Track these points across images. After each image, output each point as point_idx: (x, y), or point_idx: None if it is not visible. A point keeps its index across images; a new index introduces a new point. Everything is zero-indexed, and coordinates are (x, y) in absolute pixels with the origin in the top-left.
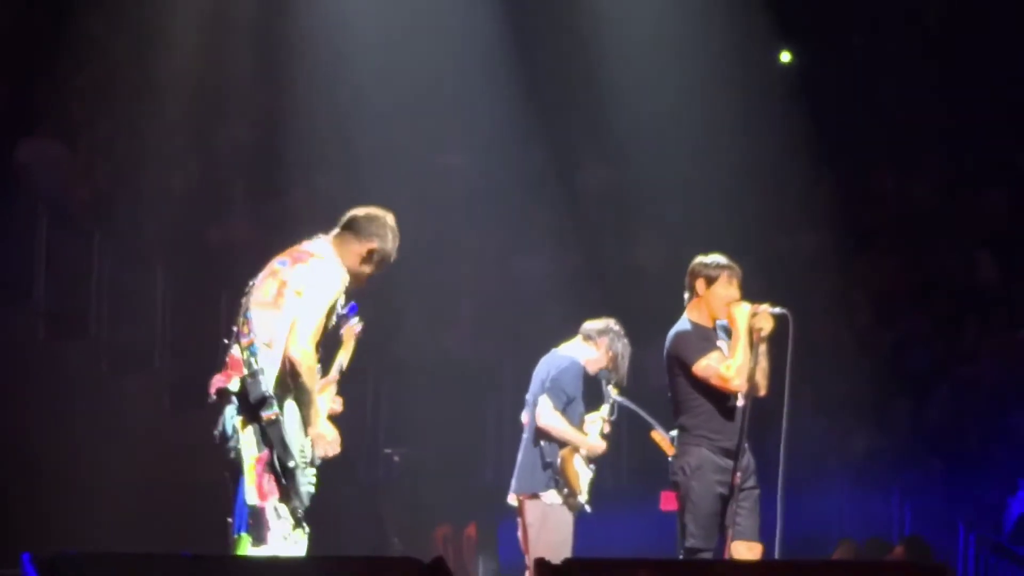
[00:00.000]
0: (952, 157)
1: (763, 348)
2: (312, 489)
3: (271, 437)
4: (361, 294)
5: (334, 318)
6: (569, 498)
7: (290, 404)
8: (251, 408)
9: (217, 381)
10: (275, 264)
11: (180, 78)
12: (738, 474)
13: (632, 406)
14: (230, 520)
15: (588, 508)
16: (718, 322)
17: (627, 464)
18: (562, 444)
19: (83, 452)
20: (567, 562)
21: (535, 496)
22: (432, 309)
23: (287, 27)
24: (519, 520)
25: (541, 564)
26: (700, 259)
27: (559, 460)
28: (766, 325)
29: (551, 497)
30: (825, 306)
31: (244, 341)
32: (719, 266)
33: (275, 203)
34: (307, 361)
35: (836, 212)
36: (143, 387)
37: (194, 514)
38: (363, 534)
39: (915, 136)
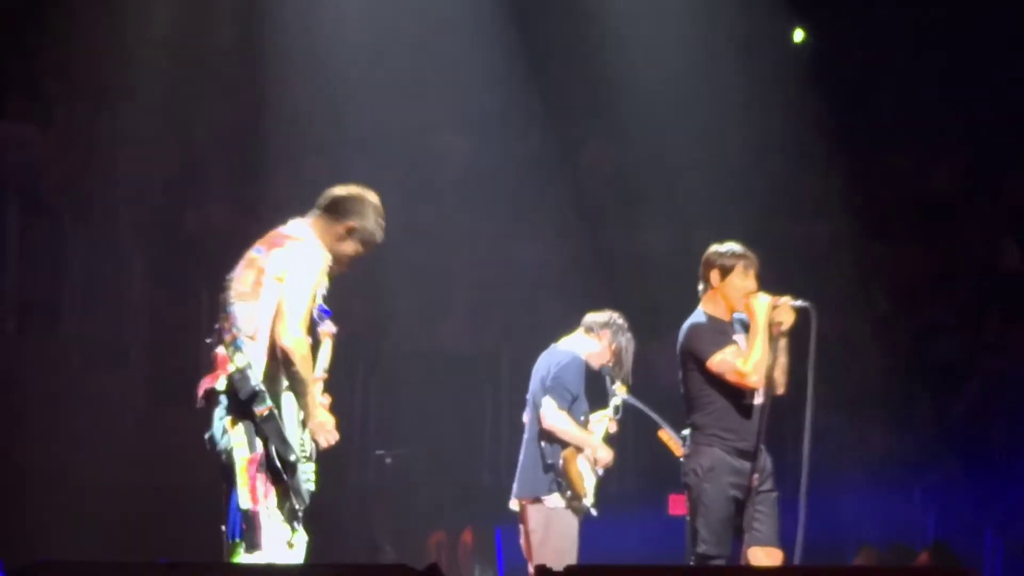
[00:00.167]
0: (974, 138)
1: (783, 343)
2: (312, 486)
3: (267, 432)
4: (348, 284)
5: (318, 304)
6: (573, 501)
7: (286, 397)
8: (242, 405)
9: (204, 383)
10: (251, 253)
11: (158, 55)
12: (755, 476)
13: (638, 404)
14: (223, 528)
15: (594, 512)
16: (736, 315)
17: (633, 466)
18: (564, 444)
19: (54, 453)
20: (569, 569)
21: (537, 500)
22: (424, 300)
23: (271, 1)
24: (521, 526)
25: (542, 571)
26: (714, 248)
27: (561, 461)
28: (786, 319)
29: (554, 501)
30: (841, 296)
31: (227, 337)
32: (734, 255)
33: (259, 188)
34: (300, 348)
35: (852, 197)
36: (118, 384)
37: (174, 520)
38: (352, 541)
39: (935, 117)
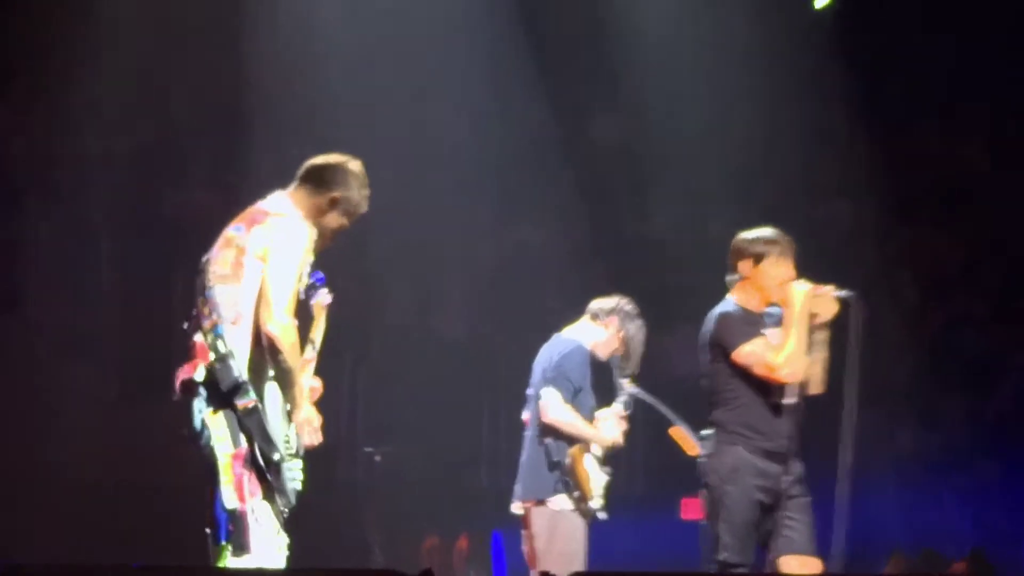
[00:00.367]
0: (1010, 115)
1: (822, 337)
2: (299, 485)
3: (250, 428)
4: (335, 267)
5: (305, 280)
6: (580, 503)
7: (270, 388)
8: (223, 397)
9: (182, 373)
10: (229, 231)
11: (131, 22)
12: (784, 479)
13: (649, 398)
14: (208, 531)
15: (602, 515)
16: (769, 309)
17: (643, 465)
18: (571, 441)
19: (16, 450)
20: None
21: (541, 502)
22: (417, 285)
23: None
24: (523, 531)
25: None
26: (743, 235)
27: (568, 460)
28: (827, 310)
29: (560, 503)
30: (864, 285)
31: (206, 323)
32: (766, 242)
33: (239, 166)
34: (287, 336)
35: (876, 177)
36: (87, 376)
37: (148, 522)
38: (340, 544)
39: (966, 90)
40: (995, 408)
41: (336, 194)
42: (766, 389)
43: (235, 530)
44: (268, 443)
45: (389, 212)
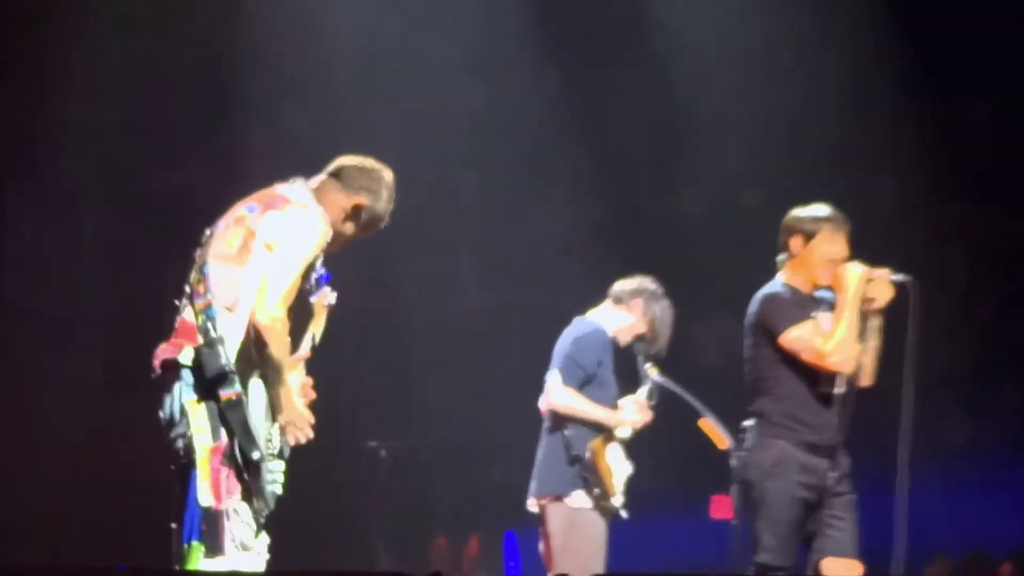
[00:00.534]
0: None
1: (875, 323)
2: (279, 488)
3: (231, 422)
4: (339, 251)
5: (309, 281)
6: (601, 500)
7: (255, 382)
8: (207, 385)
9: (163, 351)
10: (241, 209)
11: None
12: (830, 475)
13: (675, 388)
14: (175, 526)
15: (623, 513)
16: (820, 292)
17: (669, 460)
18: (592, 432)
19: None
20: None
21: (559, 499)
22: (426, 268)
23: None
24: (540, 530)
25: None
26: (795, 211)
27: (588, 453)
28: (882, 294)
29: (579, 499)
30: (910, 265)
31: (199, 302)
32: (818, 219)
33: (231, 140)
34: (277, 329)
35: (925, 148)
36: (68, 365)
37: (132, 519)
38: (343, 545)
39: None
40: None
41: (364, 201)
42: (814, 377)
43: (208, 530)
44: (249, 440)
45: (396, 190)
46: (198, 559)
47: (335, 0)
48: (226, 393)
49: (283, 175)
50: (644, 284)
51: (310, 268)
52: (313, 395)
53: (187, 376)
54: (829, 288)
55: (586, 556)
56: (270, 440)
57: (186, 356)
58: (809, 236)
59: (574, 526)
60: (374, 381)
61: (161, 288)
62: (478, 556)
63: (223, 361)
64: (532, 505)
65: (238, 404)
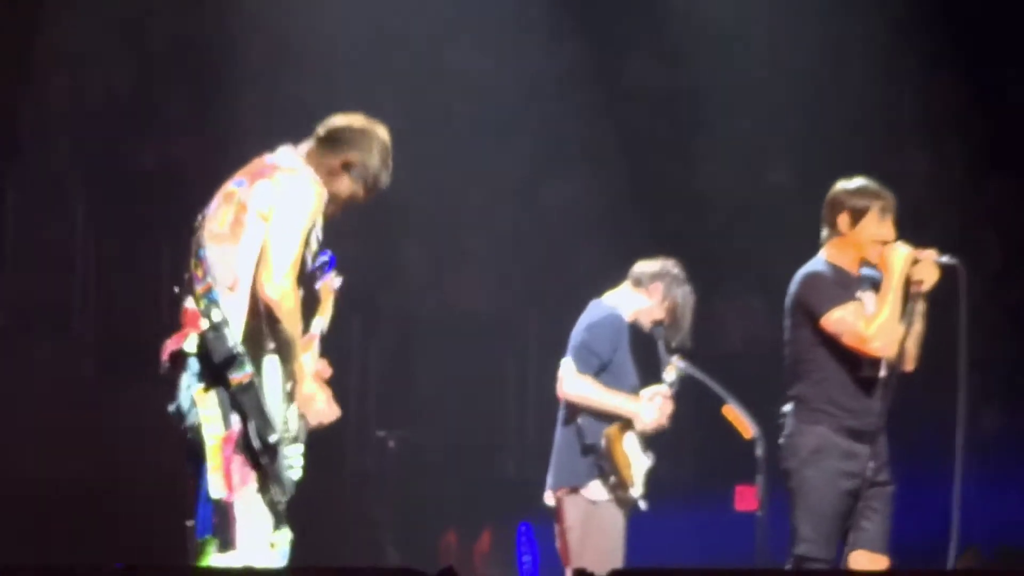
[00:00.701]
0: None
1: (920, 307)
2: (297, 473)
3: (245, 406)
4: (342, 228)
5: (313, 247)
6: (618, 491)
7: (269, 362)
8: (216, 371)
9: (170, 344)
10: (230, 186)
11: None
12: (870, 463)
13: (698, 374)
14: (189, 523)
15: (642, 505)
16: (865, 271)
17: (692, 450)
18: (607, 420)
19: None
20: (615, 574)
21: (574, 491)
22: (434, 248)
23: None
24: (556, 523)
25: None
26: (842, 186)
27: (604, 441)
28: (928, 276)
29: (595, 491)
30: (943, 244)
31: (199, 288)
32: (868, 194)
33: (228, 115)
34: (286, 301)
35: (958, 124)
36: (58, 353)
37: (129, 516)
38: (349, 540)
39: None
40: None
41: (352, 157)
42: (855, 361)
43: (220, 523)
44: (264, 422)
45: (400, 166)
46: (210, 555)
47: None
48: (237, 376)
49: (282, 143)
50: (667, 267)
51: (310, 236)
52: (329, 372)
53: (193, 365)
54: (874, 267)
55: (604, 550)
56: (286, 423)
57: (191, 344)
58: (858, 215)
59: (591, 519)
60: (381, 369)
61: (153, 273)
62: (489, 552)
63: (230, 344)
64: (549, 498)
65: (251, 387)
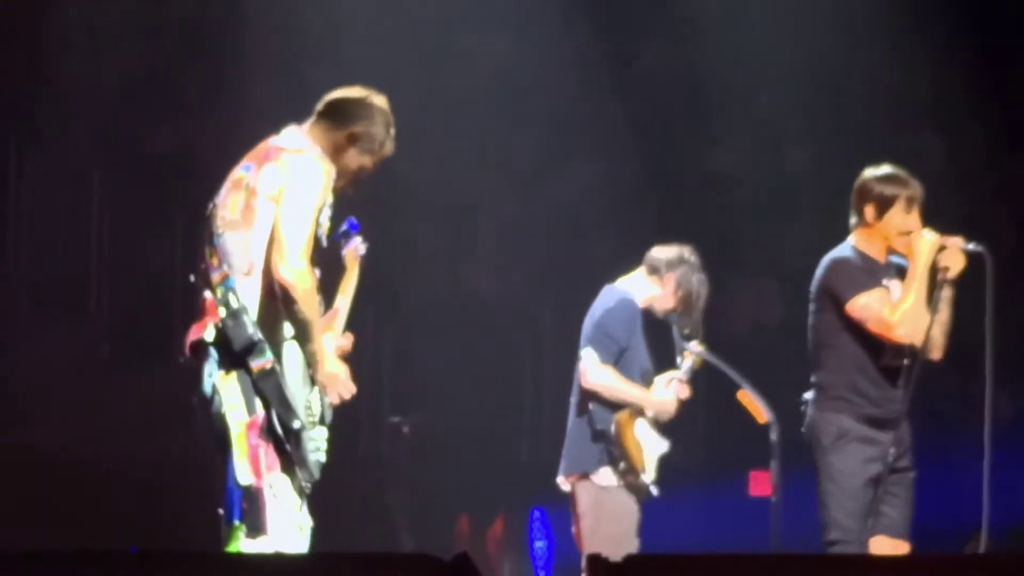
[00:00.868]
0: None
1: (947, 294)
2: (322, 456)
3: (266, 392)
4: (355, 213)
5: (324, 224)
6: (628, 477)
7: (289, 347)
8: (236, 358)
9: (192, 333)
10: (238, 171)
11: None
12: (892, 450)
13: (713, 359)
14: (221, 511)
15: (654, 491)
16: (893, 258)
17: (706, 435)
18: (616, 405)
19: None
20: (629, 559)
21: (585, 476)
22: (448, 234)
23: None
24: (571, 509)
25: (595, 561)
26: (870, 174)
27: (613, 427)
28: (955, 263)
29: (605, 477)
30: (959, 226)
31: (216, 276)
32: (896, 183)
33: (241, 96)
34: (302, 282)
35: (973, 105)
36: (75, 335)
37: (146, 501)
38: (363, 525)
39: None
40: None
41: (356, 129)
42: (878, 348)
43: (249, 509)
44: (287, 409)
45: (414, 150)
46: (240, 540)
47: None
48: (258, 363)
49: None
50: (682, 255)
51: (321, 212)
52: (348, 346)
53: (214, 353)
54: (901, 255)
55: (616, 536)
56: (309, 407)
57: (210, 333)
58: (884, 206)
59: (602, 505)
60: (395, 355)
61: (170, 253)
62: (503, 537)
63: (250, 331)
64: (562, 483)
65: (272, 373)
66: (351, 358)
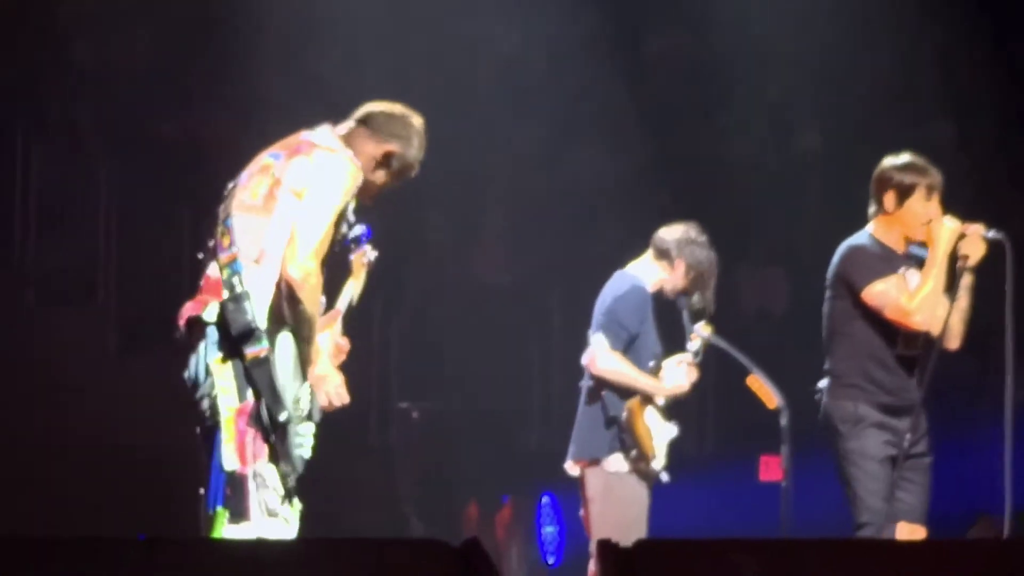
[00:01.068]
0: None
1: (966, 282)
2: (307, 452)
3: (258, 381)
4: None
5: (343, 229)
6: (639, 463)
7: (284, 339)
8: (233, 343)
9: (188, 309)
10: (266, 158)
11: None
12: (908, 436)
13: (722, 343)
14: (202, 491)
15: (664, 477)
16: (912, 248)
17: (716, 420)
18: (627, 392)
19: (4, 409)
20: (639, 544)
21: (596, 463)
22: (458, 220)
23: None
24: (581, 494)
25: (605, 547)
26: (890, 162)
27: (624, 414)
28: (975, 251)
29: (615, 463)
30: (969, 212)
31: (224, 256)
32: (916, 172)
33: (251, 84)
34: (309, 282)
35: (981, 91)
36: (83, 325)
37: (151, 488)
38: (372, 512)
39: None
40: None
41: (395, 148)
42: (892, 336)
43: (233, 495)
44: (275, 400)
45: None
46: (223, 526)
47: None
48: (252, 351)
49: (304, 121)
50: (689, 235)
51: (342, 217)
52: (344, 355)
53: (212, 334)
54: (922, 244)
55: (626, 522)
56: (298, 401)
57: (211, 313)
58: (903, 194)
59: (612, 490)
60: (404, 340)
61: (177, 244)
62: (511, 523)
63: (249, 317)
64: (571, 468)
65: (265, 362)
66: (360, 344)
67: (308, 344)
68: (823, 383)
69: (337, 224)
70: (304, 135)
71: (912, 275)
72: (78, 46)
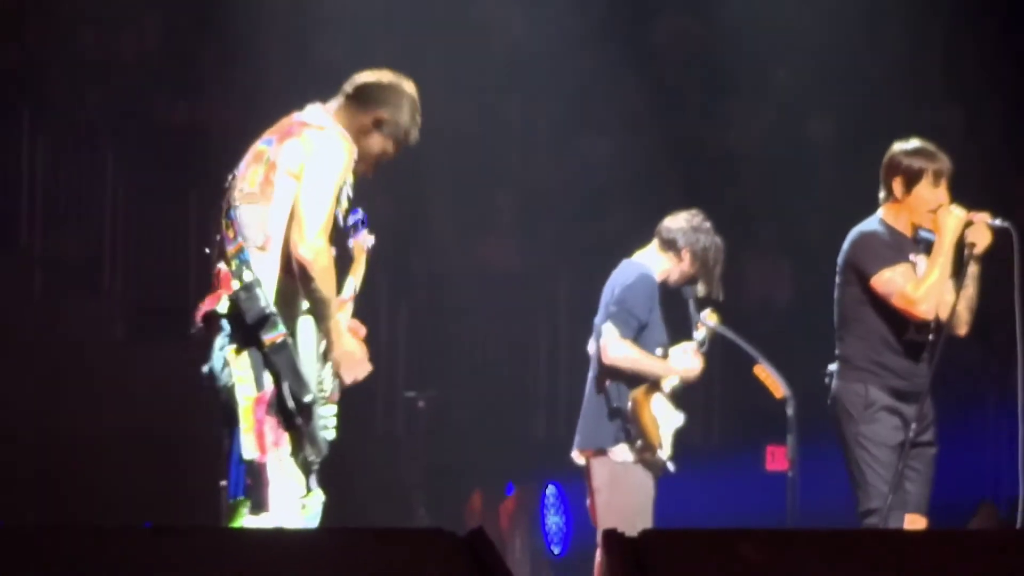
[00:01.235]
0: None
1: (973, 270)
2: (331, 434)
3: (279, 366)
4: (370, 186)
5: (343, 204)
6: (644, 453)
7: (303, 323)
8: (248, 331)
9: (204, 306)
10: (259, 145)
11: None
12: (913, 424)
13: (728, 332)
14: (223, 483)
15: (671, 466)
16: (922, 232)
17: (722, 410)
18: (634, 382)
19: (13, 398)
20: (645, 534)
21: (601, 452)
22: (464, 206)
23: None
24: (587, 483)
25: (611, 537)
26: (899, 147)
27: (630, 403)
28: (981, 239)
29: (621, 453)
30: (977, 200)
31: (231, 248)
32: (924, 157)
33: (256, 70)
34: (320, 260)
35: (990, 76)
36: (90, 313)
37: (161, 476)
38: (378, 501)
39: None
40: None
41: (383, 114)
42: (902, 322)
43: (253, 484)
44: (299, 382)
45: (429, 124)
46: (243, 516)
47: None
48: (270, 336)
49: (312, 102)
50: (693, 223)
51: (341, 191)
52: (363, 332)
53: (226, 326)
54: (929, 230)
55: (632, 511)
56: (321, 383)
57: (223, 306)
58: (911, 180)
59: (618, 480)
60: (411, 329)
61: (184, 231)
62: (515, 515)
63: (263, 304)
64: (577, 457)
65: (284, 346)
66: (365, 334)
67: (326, 321)
68: (833, 367)
69: (338, 201)
70: (294, 116)
71: (921, 260)
72: (84, 35)
